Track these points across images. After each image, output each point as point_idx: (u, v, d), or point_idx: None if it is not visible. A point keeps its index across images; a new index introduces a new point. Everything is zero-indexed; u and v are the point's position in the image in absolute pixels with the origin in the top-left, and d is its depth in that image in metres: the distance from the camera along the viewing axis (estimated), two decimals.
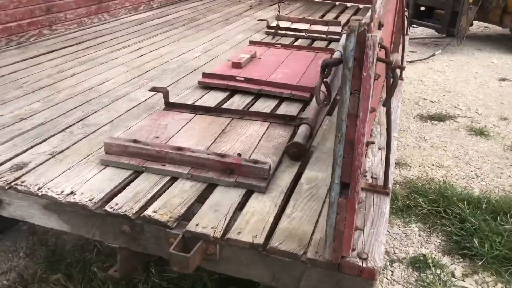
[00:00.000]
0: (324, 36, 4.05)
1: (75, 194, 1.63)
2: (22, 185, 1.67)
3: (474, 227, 3.25)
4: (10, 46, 3.34)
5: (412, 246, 3.19)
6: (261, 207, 1.61)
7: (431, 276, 2.87)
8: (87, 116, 2.26)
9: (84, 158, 1.87)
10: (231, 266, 1.49)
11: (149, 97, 2.54)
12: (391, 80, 1.12)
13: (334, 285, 1.39)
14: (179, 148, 1.80)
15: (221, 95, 2.62)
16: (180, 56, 3.33)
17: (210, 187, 1.72)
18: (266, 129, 2.13)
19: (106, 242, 1.63)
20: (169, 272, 2.74)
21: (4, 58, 3.11)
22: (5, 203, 1.69)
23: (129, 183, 1.71)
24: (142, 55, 3.30)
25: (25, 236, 3.08)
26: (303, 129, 2.06)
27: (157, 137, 2.00)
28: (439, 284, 2.82)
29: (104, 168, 1.80)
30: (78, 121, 2.21)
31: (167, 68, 3.05)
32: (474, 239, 3.13)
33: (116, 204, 1.58)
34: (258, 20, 4.44)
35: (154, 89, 2.34)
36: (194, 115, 2.26)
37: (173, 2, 5.36)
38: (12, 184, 1.68)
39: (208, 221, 1.52)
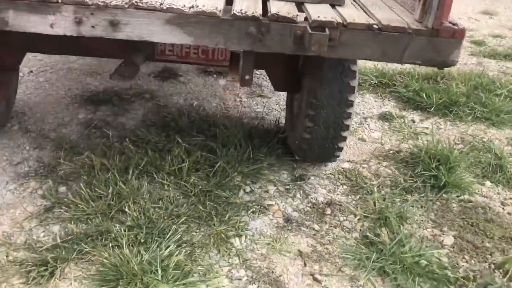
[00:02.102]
0: None
1: (197, 6, 1.78)
2: (143, 2, 1.77)
3: (416, 89, 3.96)
4: None
5: (374, 108, 3.79)
6: (352, 11, 1.95)
7: (398, 124, 3.50)
8: None
9: None
10: (348, 50, 1.82)
11: None
12: None
13: (433, 49, 1.81)
14: None
15: None
16: None
17: (298, 5, 2.00)
18: None
19: (231, 47, 1.83)
20: (193, 137, 2.95)
21: None
22: (121, 24, 1.77)
23: (233, 2, 1.91)
24: None
25: (20, 134, 3.00)
26: None
27: None
28: (406, 127, 3.46)
29: None
30: None
31: None
32: (422, 94, 3.85)
33: (241, 10, 1.79)
34: None
35: None
36: None
37: None
38: (133, 1, 1.76)
39: (325, 15, 1.82)
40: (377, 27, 1.79)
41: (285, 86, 2.84)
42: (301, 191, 2.64)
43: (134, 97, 3.59)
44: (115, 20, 1.77)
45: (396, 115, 3.64)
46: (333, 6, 2.02)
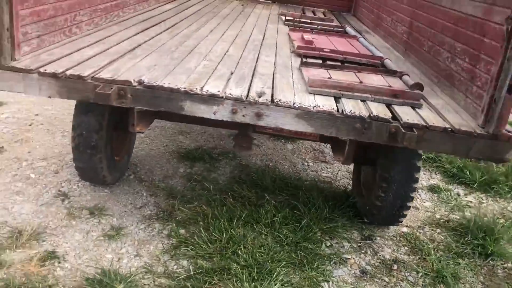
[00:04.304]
0: (331, 28, 5.13)
1: (318, 106, 2.46)
2: (281, 102, 2.45)
3: (460, 166, 4.54)
4: None
5: (424, 180, 4.37)
6: (429, 114, 2.60)
7: (445, 196, 4.07)
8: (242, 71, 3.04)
9: (294, 90, 2.68)
10: (428, 145, 2.45)
11: (274, 61, 3.36)
12: None
13: (492, 149, 2.42)
14: (361, 82, 2.71)
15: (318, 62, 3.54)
16: (250, 37, 4.13)
17: (388, 106, 2.66)
18: (384, 79, 3.12)
19: (340, 137, 2.48)
20: (278, 195, 3.56)
21: None
22: (264, 116, 2.45)
23: (340, 101, 2.58)
24: (223, 34, 4.04)
25: (136, 182, 3.67)
26: (408, 77, 3.08)
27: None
28: (452, 199, 4.03)
29: (314, 96, 2.63)
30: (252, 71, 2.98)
31: (258, 43, 3.84)
32: (466, 171, 4.42)
33: (351, 110, 2.45)
34: (277, 14, 5.38)
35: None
36: (326, 69, 3.16)
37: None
38: (274, 100, 2.45)
39: (412, 119, 2.46)
40: (451, 129, 2.42)
41: (355, 159, 3.47)
42: (371, 249, 3.21)
43: (220, 156, 4.27)
44: (260, 112, 2.44)
45: (443, 188, 4.21)
46: (413, 107, 2.68)
